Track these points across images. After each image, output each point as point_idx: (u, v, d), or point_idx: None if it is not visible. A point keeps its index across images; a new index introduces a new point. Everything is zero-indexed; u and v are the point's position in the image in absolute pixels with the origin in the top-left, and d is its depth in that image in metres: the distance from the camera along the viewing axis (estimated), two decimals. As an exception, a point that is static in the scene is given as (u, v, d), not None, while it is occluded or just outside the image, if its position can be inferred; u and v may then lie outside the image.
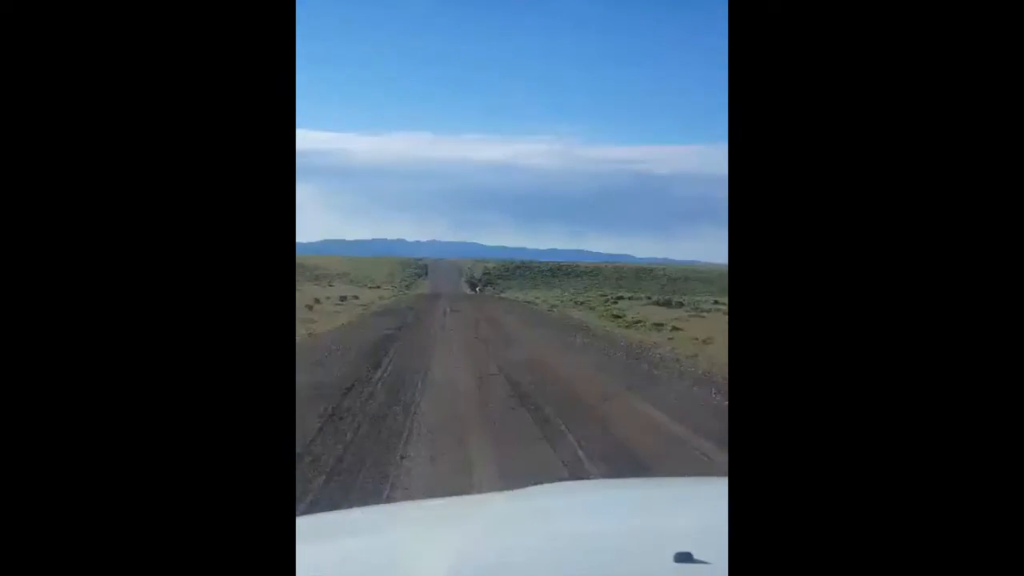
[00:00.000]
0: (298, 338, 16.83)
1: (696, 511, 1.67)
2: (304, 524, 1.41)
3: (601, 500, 1.89)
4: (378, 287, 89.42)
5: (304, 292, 53.58)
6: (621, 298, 57.54)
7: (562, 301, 54.68)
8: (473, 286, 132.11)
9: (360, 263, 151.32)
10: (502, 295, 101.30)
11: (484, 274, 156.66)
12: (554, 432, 9.22)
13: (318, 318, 27.77)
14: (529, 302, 54.13)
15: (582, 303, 46.72)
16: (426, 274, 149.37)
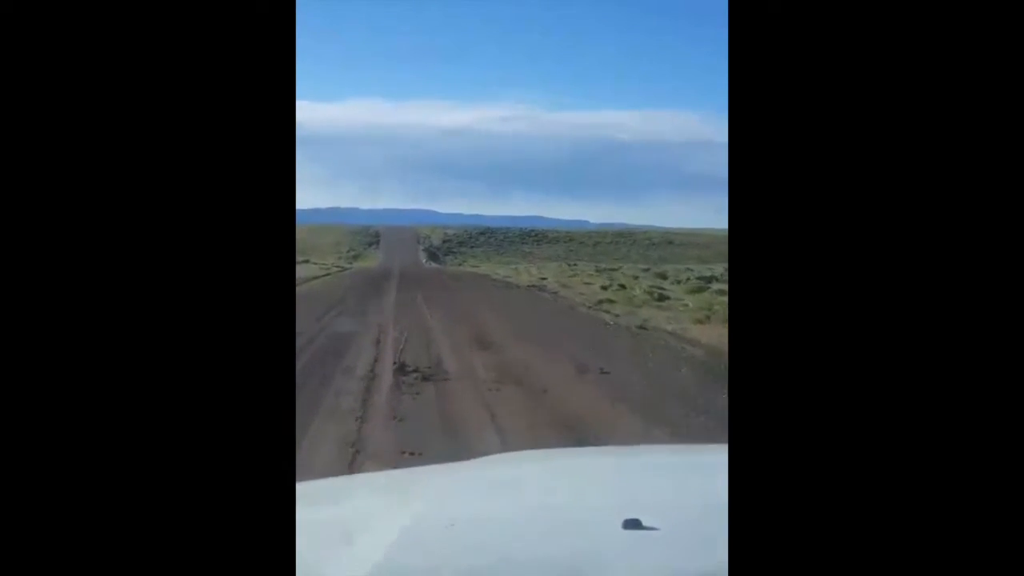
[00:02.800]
0: None
1: (648, 480, 1.70)
2: None
3: (556, 470, 1.90)
4: (307, 261, 65.76)
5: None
6: (666, 278, 35.36)
7: (586, 282, 31.94)
8: (434, 256, 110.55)
9: (304, 232, 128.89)
10: (473, 266, 79.57)
11: (444, 241, 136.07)
12: None
13: None
14: (535, 285, 30.86)
15: (639, 291, 24.24)
16: (377, 243, 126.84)
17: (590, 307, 20.56)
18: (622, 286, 28.83)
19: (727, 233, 1.07)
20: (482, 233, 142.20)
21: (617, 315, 17.93)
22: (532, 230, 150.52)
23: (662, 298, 22.76)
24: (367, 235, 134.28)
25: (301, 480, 1.63)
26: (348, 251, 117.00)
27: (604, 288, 28.01)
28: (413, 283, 30.20)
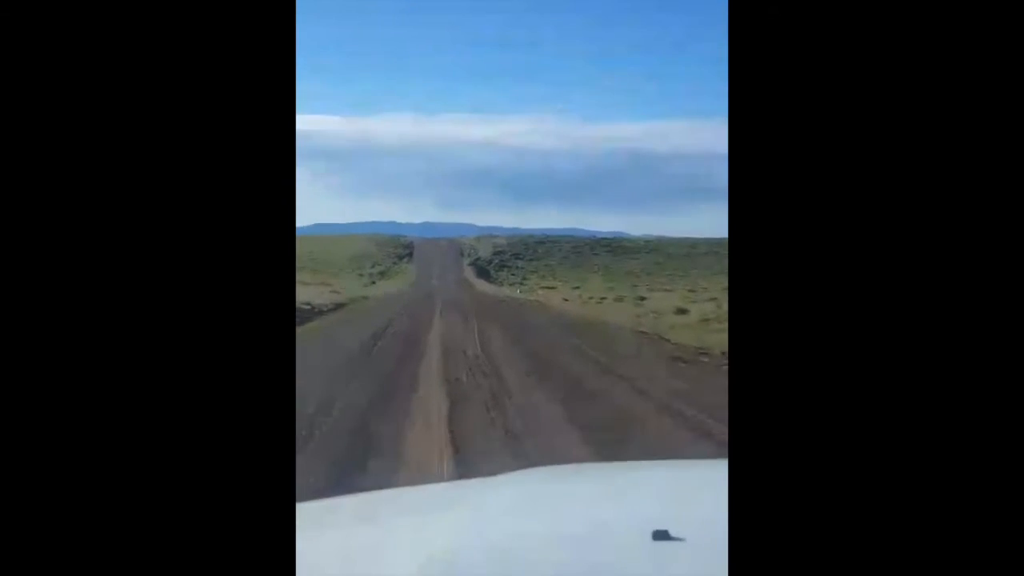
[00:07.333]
0: None
1: (672, 495, 1.72)
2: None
3: (580, 487, 1.93)
4: (300, 283, 38.17)
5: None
6: None
7: None
8: (484, 272, 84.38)
9: (313, 243, 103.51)
10: (548, 287, 52.92)
11: (495, 253, 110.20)
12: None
13: None
14: None
15: None
16: (410, 256, 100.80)
17: None
18: None
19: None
20: (541, 243, 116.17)
21: None
22: (606, 240, 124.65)
23: None
24: (397, 246, 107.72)
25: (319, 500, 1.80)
26: (373, 268, 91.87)
27: None
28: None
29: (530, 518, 1.54)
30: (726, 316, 24.58)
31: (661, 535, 1.26)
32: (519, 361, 12.44)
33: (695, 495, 1.66)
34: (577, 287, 59.14)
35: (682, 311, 25.64)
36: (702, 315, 23.42)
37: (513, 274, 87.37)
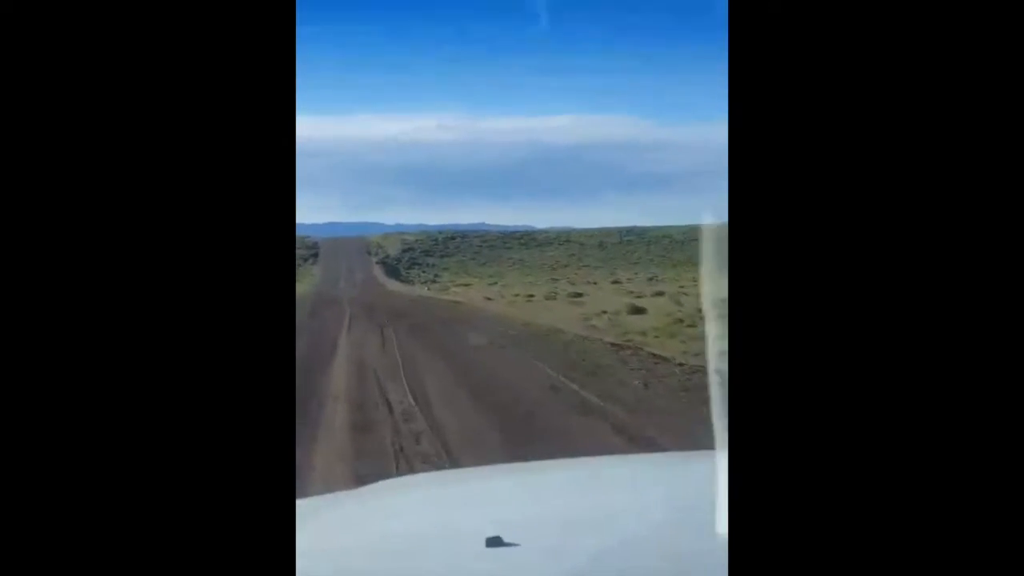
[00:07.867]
0: None
1: (517, 500, 1.76)
2: None
3: (425, 496, 1.95)
4: None
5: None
6: None
7: None
8: (393, 271, 79.64)
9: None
10: (463, 284, 48.90)
11: (404, 251, 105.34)
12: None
13: None
14: None
15: None
16: (316, 257, 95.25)
17: None
18: None
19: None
20: (451, 239, 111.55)
21: None
22: (517, 233, 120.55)
23: None
24: (302, 247, 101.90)
25: None
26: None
27: None
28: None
29: (368, 530, 1.53)
30: (694, 314, 19.80)
31: (495, 541, 1.27)
32: (478, 421, 8.19)
33: (539, 499, 1.68)
34: (494, 283, 55.15)
35: (638, 310, 21.44)
36: (667, 314, 19.28)
37: (425, 271, 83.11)
